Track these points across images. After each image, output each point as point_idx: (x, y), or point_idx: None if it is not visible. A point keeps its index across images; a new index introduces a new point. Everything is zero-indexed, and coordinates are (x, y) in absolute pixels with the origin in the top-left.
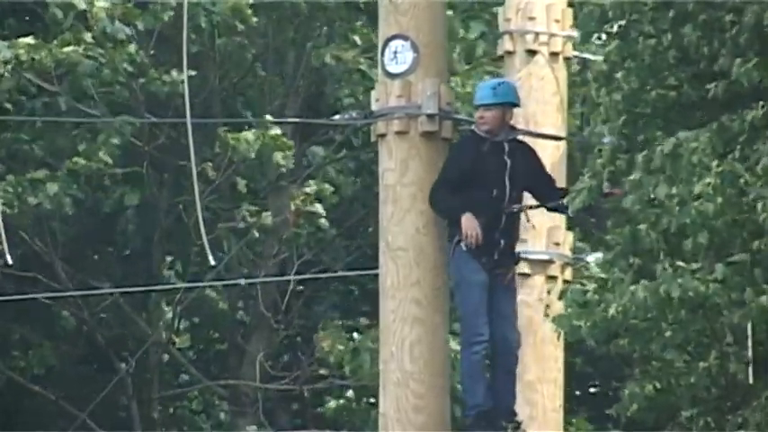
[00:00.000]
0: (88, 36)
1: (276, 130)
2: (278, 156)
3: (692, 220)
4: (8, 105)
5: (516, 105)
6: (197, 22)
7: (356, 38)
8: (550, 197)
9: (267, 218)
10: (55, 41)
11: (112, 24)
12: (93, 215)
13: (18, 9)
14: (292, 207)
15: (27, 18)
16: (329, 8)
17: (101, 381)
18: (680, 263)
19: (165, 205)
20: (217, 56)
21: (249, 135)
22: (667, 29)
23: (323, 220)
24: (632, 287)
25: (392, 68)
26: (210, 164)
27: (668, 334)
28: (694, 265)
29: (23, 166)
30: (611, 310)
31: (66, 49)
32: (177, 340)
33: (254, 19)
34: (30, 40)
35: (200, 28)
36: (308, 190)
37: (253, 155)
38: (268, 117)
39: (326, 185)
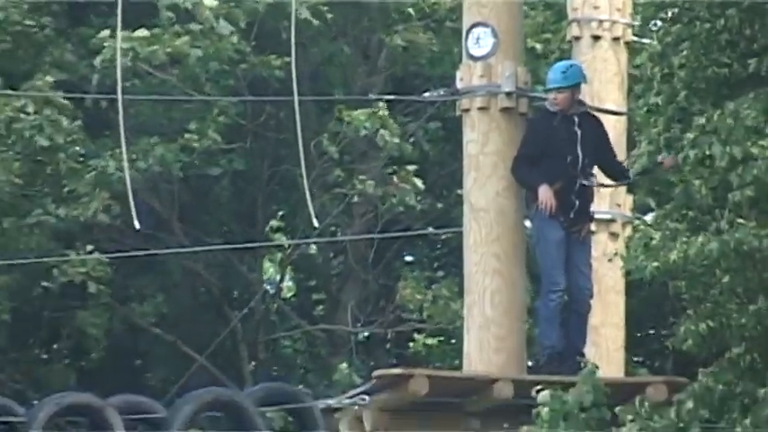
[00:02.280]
0: (197, 28)
1: (384, 111)
2: (384, 133)
3: (746, 178)
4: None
5: (584, 83)
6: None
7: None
8: (613, 168)
9: (369, 185)
10: (166, 35)
11: (217, 22)
12: (205, 179)
13: (133, 5)
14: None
15: (141, 13)
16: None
17: (213, 326)
18: (739, 219)
19: (268, 173)
20: (306, 43)
21: (361, 115)
22: (720, 14)
23: (418, 182)
24: (691, 238)
25: (475, 52)
26: (325, 136)
27: (725, 280)
28: (744, 221)
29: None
30: (673, 256)
31: (177, 41)
32: (284, 288)
33: (329, 15)
34: (145, 32)
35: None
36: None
37: (364, 132)
38: (371, 96)
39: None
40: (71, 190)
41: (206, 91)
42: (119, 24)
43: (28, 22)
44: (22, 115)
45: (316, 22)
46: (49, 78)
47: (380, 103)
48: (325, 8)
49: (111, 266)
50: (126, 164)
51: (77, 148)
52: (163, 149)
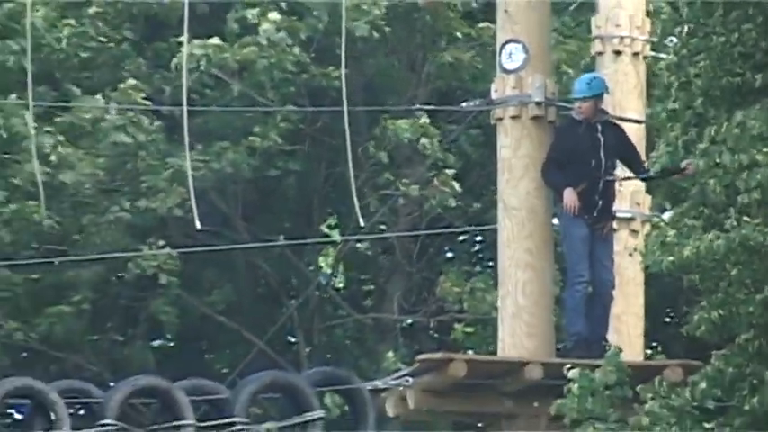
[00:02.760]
0: (263, 39)
1: (425, 119)
2: (425, 140)
3: (751, 183)
4: (194, 96)
5: (606, 93)
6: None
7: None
8: (636, 167)
9: (413, 189)
10: (236, 45)
11: (277, 33)
12: (266, 180)
13: (202, 17)
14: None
15: (211, 25)
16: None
17: (272, 315)
18: (745, 218)
19: (324, 174)
20: (361, 56)
21: (404, 124)
22: (735, 28)
23: (456, 185)
24: (703, 235)
25: (508, 66)
26: (372, 143)
27: (733, 272)
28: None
29: (210, 141)
30: (686, 252)
31: (245, 50)
32: (336, 280)
33: (387, 29)
34: (216, 41)
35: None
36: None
37: (406, 139)
38: (417, 106)
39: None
40: (149, 186)
41: (269, 97)
42: (185, 38)
43: (103, 39)
44: (107, 116)
45: (375, 34)
46: (132, 81)
47: (422, 113)
48: (383, 23)
49: (180, 259)
50: (189, 170)
51: (156, 147)
52: (233, 153)
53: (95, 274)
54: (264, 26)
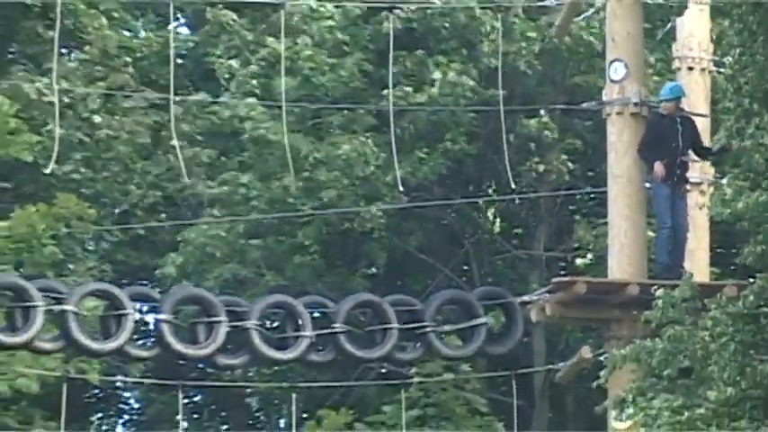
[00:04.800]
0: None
1: (546, 118)
2: (548, 132)
3: None
4: None
5: (683, 96)
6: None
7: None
8: (701, 149)
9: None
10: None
11: (459, 77)
12: (454, 154)
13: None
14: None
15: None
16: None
17: (455, 251)
18: None
19: (490, 156)
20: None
21: (532, 122)
22: None
23: (570, 165)
24: (751, 193)
25: (614, 78)
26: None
27: None
28: None
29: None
30: (739, 205)
31: (433, 89)
32: (498, 226)
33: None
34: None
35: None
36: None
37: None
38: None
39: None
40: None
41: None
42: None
43: None
44: None
45: (529, 71)
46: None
47: (543, 112)
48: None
49: (389, 217)
50: (396, 160)
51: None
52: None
53: (324, 223)
54: (450, 75)
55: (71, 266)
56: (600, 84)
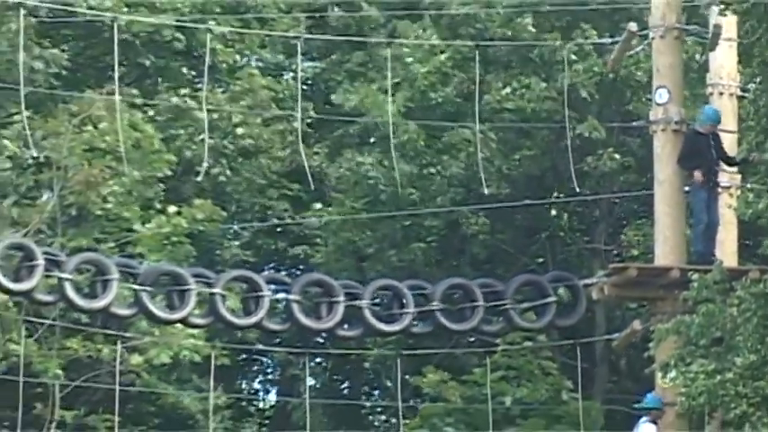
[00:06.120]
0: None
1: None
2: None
3: None
4: None
5: (719, 122)
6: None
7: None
8: (728, 160)
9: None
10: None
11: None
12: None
13: None
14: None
15: None
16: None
17: (530, 242)
18: None
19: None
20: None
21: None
22: None
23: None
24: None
25: (658, 101)
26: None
27: None
28: None
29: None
30: (760, 205)
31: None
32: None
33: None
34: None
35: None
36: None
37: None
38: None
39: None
40: None
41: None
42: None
43: None
44: None
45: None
46: None
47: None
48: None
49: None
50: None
51: None
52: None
53: (441, 222)
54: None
55: (218, 252)
56: (639, 108)
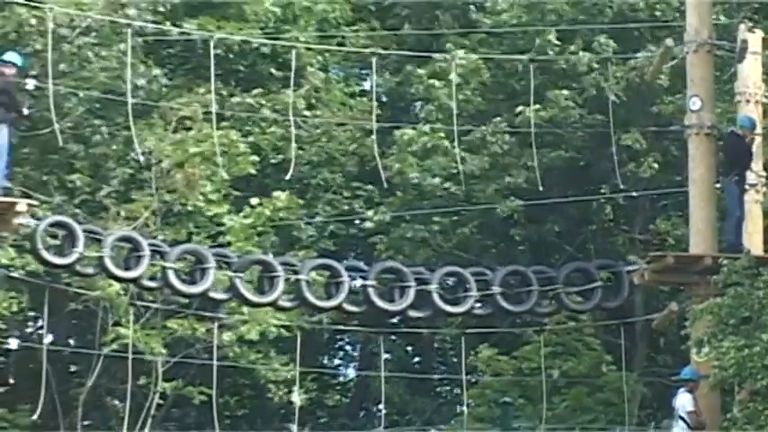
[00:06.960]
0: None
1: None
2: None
3: None
4: None
5: (754, 128)
6: None
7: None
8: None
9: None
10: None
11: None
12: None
13: None
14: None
15: None
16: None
17: (576, 235)
18: None
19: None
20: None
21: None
22: None
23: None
24: None
25: (693, 108)
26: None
27: None
28: None
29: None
30: None
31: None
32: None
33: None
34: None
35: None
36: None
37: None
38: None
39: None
40: None
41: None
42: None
43: None
44: None
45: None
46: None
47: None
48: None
49: (530, 212)
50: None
51: None
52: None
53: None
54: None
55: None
56: (667, 112)
